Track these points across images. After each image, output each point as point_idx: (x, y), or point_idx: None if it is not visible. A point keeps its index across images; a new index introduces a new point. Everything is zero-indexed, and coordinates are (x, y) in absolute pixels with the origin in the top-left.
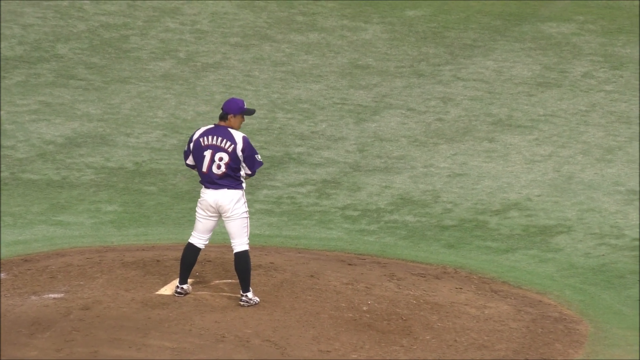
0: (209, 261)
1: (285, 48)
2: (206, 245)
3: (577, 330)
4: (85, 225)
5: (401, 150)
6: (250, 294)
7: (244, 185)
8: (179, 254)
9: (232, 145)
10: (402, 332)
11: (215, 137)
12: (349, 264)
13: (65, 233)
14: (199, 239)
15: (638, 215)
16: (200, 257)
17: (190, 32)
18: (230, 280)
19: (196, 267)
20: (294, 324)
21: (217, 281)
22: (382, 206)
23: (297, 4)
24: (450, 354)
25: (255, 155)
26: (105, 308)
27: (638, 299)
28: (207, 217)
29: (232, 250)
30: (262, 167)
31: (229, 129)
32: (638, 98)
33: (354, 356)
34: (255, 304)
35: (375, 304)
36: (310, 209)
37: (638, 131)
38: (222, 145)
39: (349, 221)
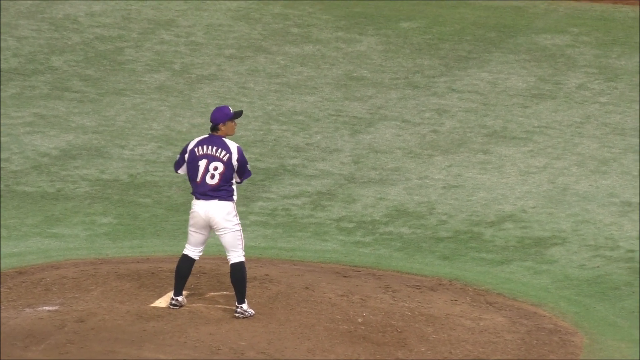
0: (204, 273)
1: (280, 60)
2: (200, 257)
3: (572, 342)
4: (79, 237)
5: (396, 162)
6: (245, 306)
7: (234, 197)
8: (174, 266)
9: (228, 155)
10: (397, 344)
11: (210, 147)
12: (344, 276)
13: (60, 245)
14: (192, 251)
15: (633, 227)
16: (195, 269)
17: (185, 44)
18: (225, 293)
19: (191, 279)
20: (289, 336)
21: (212, 293)
22: (377, 218)
23: (292, 15)
24: None
25: (247, 165)
26: (100, 320)
27: (634, 310)
28: (198, 231)
29: (228, 262)
30: (250, 177)
31: (224, 139)
32: (633, 110)
33: None
34: (250, 316)
35: (371, 316)
36: (305, 221)
37: (632, 143)
38: (218, 154)
39: (344, 233)
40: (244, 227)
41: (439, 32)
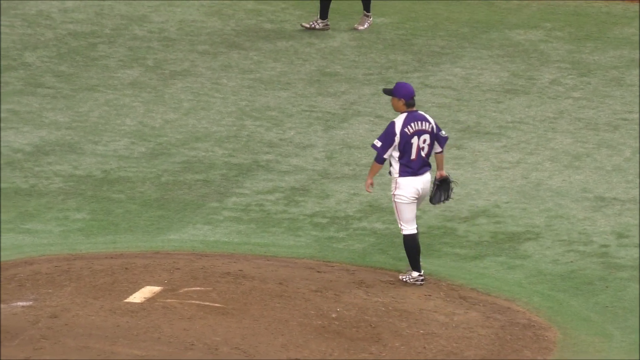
0: (178, 269)
1: (254, 56)
2: (174, 253)
3: (546, 336)
4: (53, 233)
5: (369, 157)
6: (414, 273)
7: None
8: (148, 262)
9: (431, 125)
10: (371, 339)
11: (417, 123)
12: (318, 271)
13: (34, 241)
14: (414, 226)
15: (606, 222)
16: (168, 265)
17: (158, 40)
18: (199, 288)
19: (164, 275)
20: (263, 331)
21: (185, 289)
22: (351, 213)
23: (264, 11)
24: None
25: (441, 132)
26: (73, 316)
27: (607, 305)
28: (415, 203)
29: (200, 258)
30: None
31: (420, 112)
32: (606, 105)
33: None
34: (411, 282)
35: (344, 311)
36: (279, 217)
37: (606, 138)
38: (425, 127)
39: (318, 228)
40: (218, 222)
41: (412, 27)
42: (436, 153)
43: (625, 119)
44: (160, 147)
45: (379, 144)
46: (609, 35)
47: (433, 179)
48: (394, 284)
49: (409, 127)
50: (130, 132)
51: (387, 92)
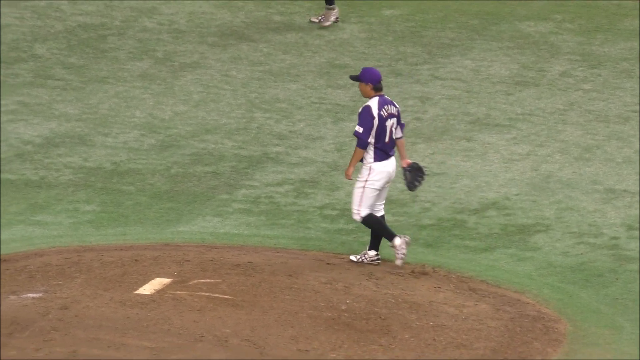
0: (188, 260)
1: (263, 48)
2: (184, 245)
3: (556, 329)
4: (63, 225)
5: None
6: (371, 252)
7: None
8: (158, 254)
9: (397, 109)
10: (381, 331)
11: (388, 106)
12: (328, 264)
13: (44, 233)
14: (375, 209)
15: (616, 214)
16: (178, 257)
17: (167, 32)
18: (208, 280)
19: (174, 267)
20: (273, 323)
21: (195, 281)
22: None
23: (274, 3)
24: (429, 353)
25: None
26: (83, 308)
27: (617, 297)
28: (384, 188)
29: (210, 250)
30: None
31: (386, 96)
32: (616, 97)
33: (333, 355)
34: (367, 262)
35: (354, 303)
36: (289, 209)
37: (616, 130)
38: (393, 111)
39: (327, 220)
40: (227, 214)
41: (422, 19)
42: (397, 138)
43: (635, 111)
44: (170, 139)
45: (360, 129)
46: (619, 27)
47: (400, 167)
48: (403, 276)
49: (383, 110)
50: (140, 124)
51: (354, 78)
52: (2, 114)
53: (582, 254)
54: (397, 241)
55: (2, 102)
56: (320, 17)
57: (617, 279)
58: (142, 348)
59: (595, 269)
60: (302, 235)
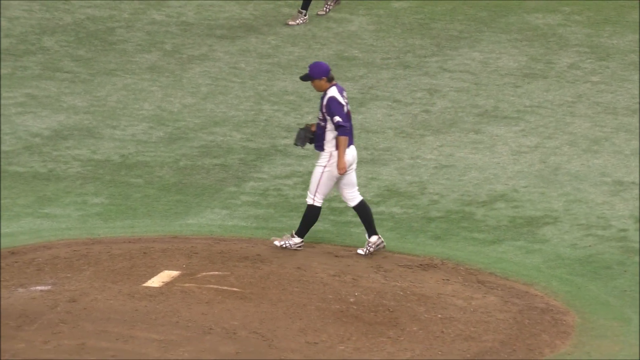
0: (196, 253)
1: (272, 40)
2: (192, 237)
3: (564, 321)
4: (71, 217)
5: (387, 142)
6: (296, 239)
7: None
8: (166, 246)
9: (346, 94)
10: (389, 324)
11: (343, 93)
12: (336, 256)
13: (52, 225)
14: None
15: (624, 206)
16: (186, 250)
17: (176, 24)
18: (216, 272)
19: (182, 260)
20: (281, 315)
21: (204, 273)
22: (369, 198)
23: None
24: (437, 345)
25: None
26: (92, 300)
27: (626, 289)
28: (347, 174)
29: (219, 243)
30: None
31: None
32: (625, 89)
33: (341, 347)
34: (292, 248)
35: (362, 296)
36: (297, 201)
37: (624, 122)
38: (346, 96)
39: (336, 213)
40: (236, 207)
41: (431, 11)
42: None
43: None
44: (179, 131)
45: (340, 118)
46: (627, 19)
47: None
48: (411, 268)
49: (343, 97)
50: (149, 116)
51: (305, 78)
52: (11, 107)
53: (590, 246)
54: (374, 238)
55: (11, 95)
56: (325, 8)
57: (625, 271)
58: (150, 340)
59: (603, 261)
60: (310, 228)
